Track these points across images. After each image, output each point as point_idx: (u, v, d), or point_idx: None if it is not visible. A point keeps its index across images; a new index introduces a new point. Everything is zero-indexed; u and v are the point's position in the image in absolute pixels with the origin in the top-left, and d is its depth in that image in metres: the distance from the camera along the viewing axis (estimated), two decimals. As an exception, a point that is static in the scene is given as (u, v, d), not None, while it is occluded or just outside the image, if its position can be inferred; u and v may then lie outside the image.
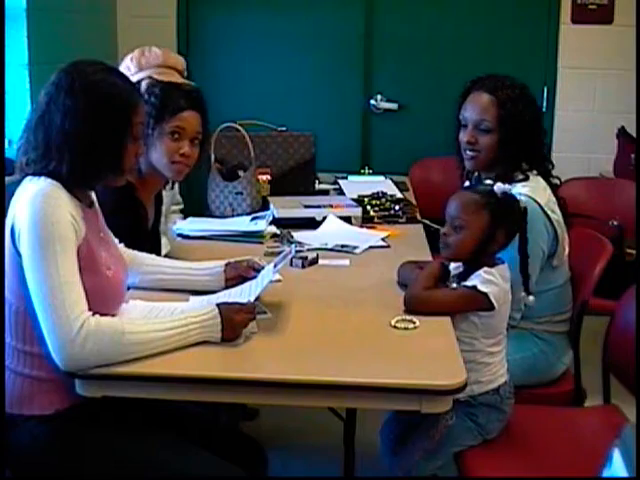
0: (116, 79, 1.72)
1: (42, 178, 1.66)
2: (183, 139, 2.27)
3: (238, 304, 1.79)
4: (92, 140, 1.67)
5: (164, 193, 2.70)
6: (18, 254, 1.63)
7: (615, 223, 3.29)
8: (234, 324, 1.71)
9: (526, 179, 2.30)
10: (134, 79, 2.76)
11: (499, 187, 1.91)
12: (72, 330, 1.56)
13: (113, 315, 1.76)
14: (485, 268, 1.88)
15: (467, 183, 2.51)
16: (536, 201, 2.22)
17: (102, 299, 1.71)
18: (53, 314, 1.58)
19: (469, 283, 1.88)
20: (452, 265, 1.99)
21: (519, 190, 2.19)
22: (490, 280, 1.86)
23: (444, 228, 1.94)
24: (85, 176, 1.70)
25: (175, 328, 1.66)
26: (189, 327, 1.67)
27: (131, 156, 1.76)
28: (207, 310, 1.72)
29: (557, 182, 2.41)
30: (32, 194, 1.63)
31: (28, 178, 1.68)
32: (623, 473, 1.03)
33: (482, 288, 1.85)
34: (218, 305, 1.73)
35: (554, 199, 2.32)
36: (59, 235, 1.61)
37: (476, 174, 2.47)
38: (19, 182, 1.70)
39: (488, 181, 2.01)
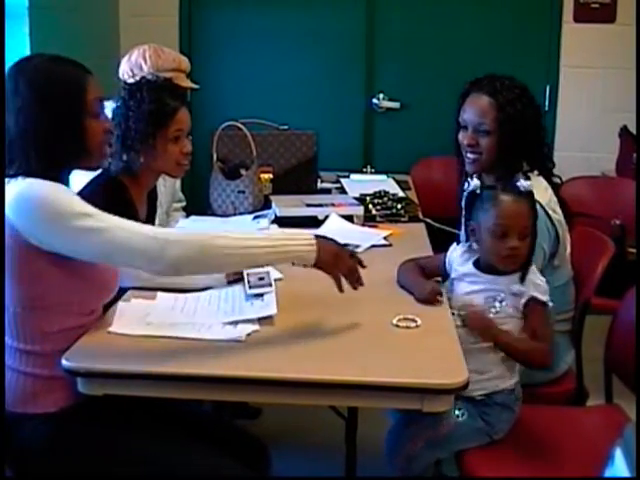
0: (57, 66, 1.71)
1: (19, 178, 1.64)
2: (183, 138, 2.29)
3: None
4: (49, 129, 1.66)
5: (163, 190, 2.71)
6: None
7: (617, 222, 3.29)
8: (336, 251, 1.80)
9: (527, 180, 2.29)
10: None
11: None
12: (156, 245, 1.61)
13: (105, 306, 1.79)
14: (531, 275, 1.91)
15: (466, 185, 2.51)
16: (537, 201, 2.22)
17: (99, 283, 1.74)
18: (129, 249, 1.61)
19: (539, 297, 1.90)
20: (457, 252, 2.01)
21: None
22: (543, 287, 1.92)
23: (513, 241, 1.88)
24: (55, 166, 1.69)
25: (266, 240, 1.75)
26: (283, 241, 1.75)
27: (95, 134, 1.74)
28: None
29: (558, 181, 2.41)
30: (19, 190, 1.61)
31: (5, 180, 1.65)
32: (625, 473, 1.02)
33: (544, 298, 1.91)
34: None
35: (555, 199, 2.31)
36: (71, 199, 1.62)
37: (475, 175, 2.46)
38: None
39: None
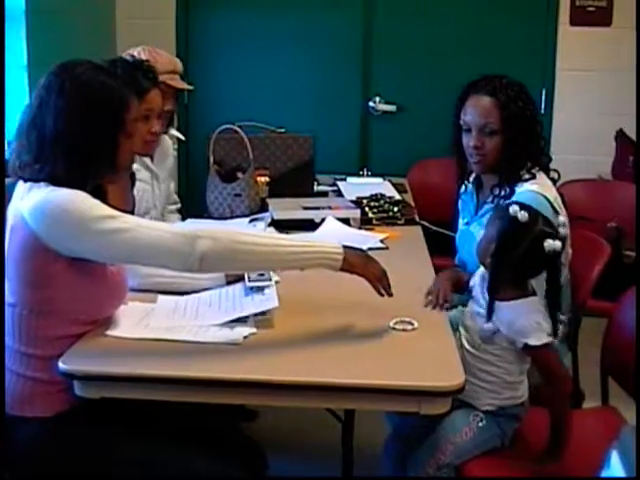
0: (105, 78, 1.71)
1: (42, 185, 1.64)
2: (152, 118, 2.30)
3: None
4: (85, 139, 1.66)
5: (157, 193, 2.69)
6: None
7: (613, 225, 3.30)
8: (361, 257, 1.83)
9: (533, 177, 2.28)
10: None
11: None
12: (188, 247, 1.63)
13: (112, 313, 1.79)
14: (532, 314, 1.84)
15: (463, 188, 2.51)
16: (546, 197, 2.21)
17: (108, 294, 1.75)
18: (161, 249, 1.63)
19: (533, 344, 1.82)
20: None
21: (528, 188, 2.18)
22: (541, 329, 1.83)
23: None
24: (80, 176, 1.69)
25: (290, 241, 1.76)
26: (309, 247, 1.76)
27: (126, 153, 1.76)
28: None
29: (556, 176, 2.40)
30: (40, 198, 1.61)
31: (27, 185, 1.66)
32: (621, 475, 1.03)
33: (539, 342, 1.83)
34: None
35: (560, 199, 2.31)
36: (92, 204, 1.62)
37: (473, 176, 2.46)
38: (13, 185, 1.70)
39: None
